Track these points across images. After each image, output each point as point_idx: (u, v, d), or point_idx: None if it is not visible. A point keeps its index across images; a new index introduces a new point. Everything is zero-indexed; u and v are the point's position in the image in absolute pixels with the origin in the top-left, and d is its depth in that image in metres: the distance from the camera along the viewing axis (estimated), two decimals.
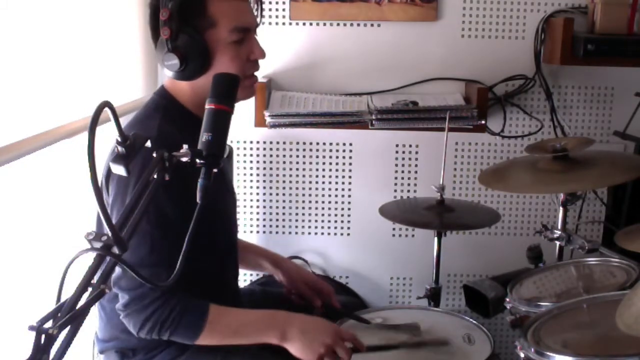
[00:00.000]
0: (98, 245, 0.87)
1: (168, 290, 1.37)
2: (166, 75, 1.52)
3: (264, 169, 2.40)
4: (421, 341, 1.59)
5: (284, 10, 2.28)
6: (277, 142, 2.38)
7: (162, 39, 1.39)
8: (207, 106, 1.09)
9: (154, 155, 0.97)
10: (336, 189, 2.42)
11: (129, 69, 2.01)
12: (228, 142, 1.11)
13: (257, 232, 2.43)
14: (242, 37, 1.47)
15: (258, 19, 1.55)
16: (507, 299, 1.60)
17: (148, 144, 0.99)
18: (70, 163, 1.67)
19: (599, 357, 1.27)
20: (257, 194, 2.42)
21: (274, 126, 2.15)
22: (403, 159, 2.40)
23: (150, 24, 1.48)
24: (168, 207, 1.35)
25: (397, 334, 1.62)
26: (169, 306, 1.37)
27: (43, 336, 0.77)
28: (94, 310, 1.61)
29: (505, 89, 2.33)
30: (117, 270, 1.38)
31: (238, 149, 2.37)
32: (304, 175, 2.40)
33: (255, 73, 1.55)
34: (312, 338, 1.43)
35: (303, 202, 2.42)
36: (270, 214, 2.43)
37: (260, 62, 1.55)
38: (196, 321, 1.40)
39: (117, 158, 0.96)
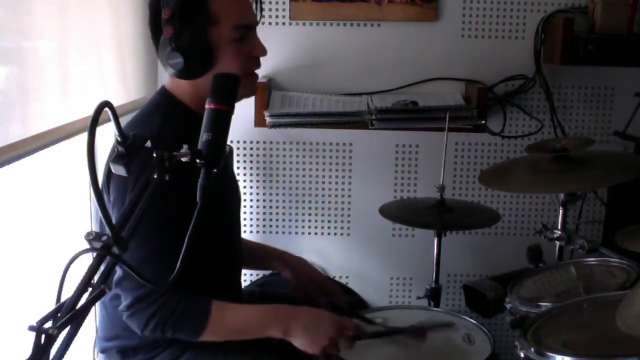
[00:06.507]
0: (98, 245, 0.87)
1: (170, 289, 1.38)
2: (167, 76, 1.52)
3: (264, 169, 2.40)
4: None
5: (284, 10, 2.28)
6: (277, 142, 2.38)
7: (164, 38, 1.39)
8: (207, 106, 1.09)
9: (154, 155, 0.97)
10: (336, 189, 2.42)
11: (129, 69, 2.01)
12: (228, 142, 1.11)
13: (257, 232, 2.43)
14: (243, 35, 1.47)
15: (258, 17, 1.55)
16: (507, 299, 1.60)
17: (148, 144, 0.99)
18: (70, 163, 1.67)
19: (599, 357, 1.27)
20: (257, 194, 2.42)
21: (274, 126, 2.15)
22: (403, 159, 2.40)
23: (150, 26, 1.47)
24: (171, 207, 1.35)
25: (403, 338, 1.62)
26: (172, 304, 1.38)
27: (43, 336, 0.77)
28: (95, 309, 1.61)
29: (505, 89, 2.32)
30: (119, 271, 1.38)
31: (238, 149, 2.37)
32: (304, 175, 2.40)
33: (257, 71, 1.55)
34: (315, 331, 1.44)
35: (303, 202, 2.42)
36: (270, 214, 2.43)
37: (261, 61, 1.55)
38: (199, 318, 1.40)
39: (117, 158, 0.96)
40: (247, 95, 1.56)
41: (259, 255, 1.86)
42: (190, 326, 1.40)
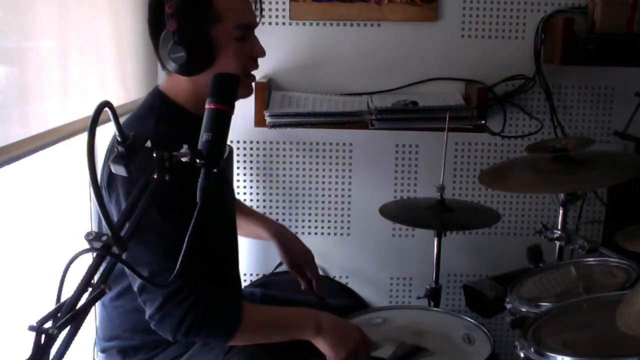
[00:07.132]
0: (98, 245, 0.87)
1: (200, 288, 1.36)
2: (164, 76, 1.52)
3: (264, 169, 2.40)
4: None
5: (284, 10, 2.28)
6: (277, 142, 2.38)
7: (167, 33, 1.38)
8: (207, 106, 1.09)
9: (154, 155, 0.97)
10: (336, 189, 2.42)
11: (129, 69, 2.01)
12: (228, 142, 1.12)
13: None
14: (244, 35, 1.47)
15: (258, 18, 1.56)
16: (507, 299, 1.60)
17: (148, 144, 0.99)
18: (70, 163, 1.67)
19: (599, 357, 1.27)
20: (257, 194, 2.42)
21: (274, 126, 2.15)
22: (403, 159, 2.40)
23: (150, 22, 1.46)
24: (180, 206, 1.34)
25: None
26: (204, 304, 1.35)
27: (43, 336, 0.77)
28: (95, 309, 1.61)
29: (505, 89, 2.32)
30: (138, 280, 1.35)
31: (238, 149, 2.37)
32: (304, 175, 2.40)
33: (254, 72, 1.55)
34: (343, 334, 1.46)
35: (303, 202, 2.42)
36: (270, 214, 2.43)
37: (260, 61, 1.55)
38: (232, 317, 1.38)
39: (117, 158, 0.96)
40: (244, 96, 1.55)
41: (250, 221, 1.87)
42: (224, 326, 1.38)
